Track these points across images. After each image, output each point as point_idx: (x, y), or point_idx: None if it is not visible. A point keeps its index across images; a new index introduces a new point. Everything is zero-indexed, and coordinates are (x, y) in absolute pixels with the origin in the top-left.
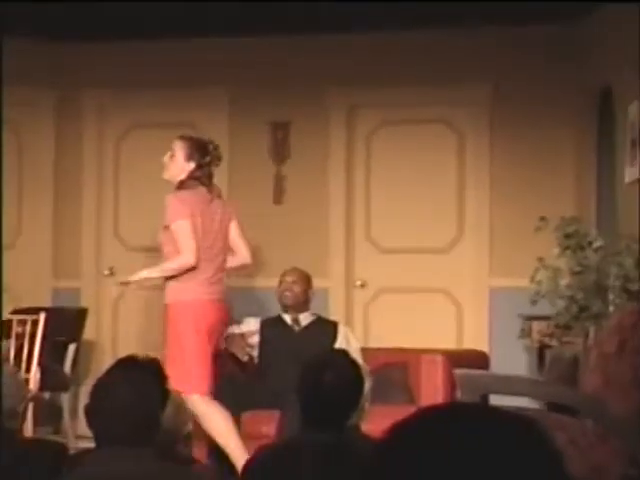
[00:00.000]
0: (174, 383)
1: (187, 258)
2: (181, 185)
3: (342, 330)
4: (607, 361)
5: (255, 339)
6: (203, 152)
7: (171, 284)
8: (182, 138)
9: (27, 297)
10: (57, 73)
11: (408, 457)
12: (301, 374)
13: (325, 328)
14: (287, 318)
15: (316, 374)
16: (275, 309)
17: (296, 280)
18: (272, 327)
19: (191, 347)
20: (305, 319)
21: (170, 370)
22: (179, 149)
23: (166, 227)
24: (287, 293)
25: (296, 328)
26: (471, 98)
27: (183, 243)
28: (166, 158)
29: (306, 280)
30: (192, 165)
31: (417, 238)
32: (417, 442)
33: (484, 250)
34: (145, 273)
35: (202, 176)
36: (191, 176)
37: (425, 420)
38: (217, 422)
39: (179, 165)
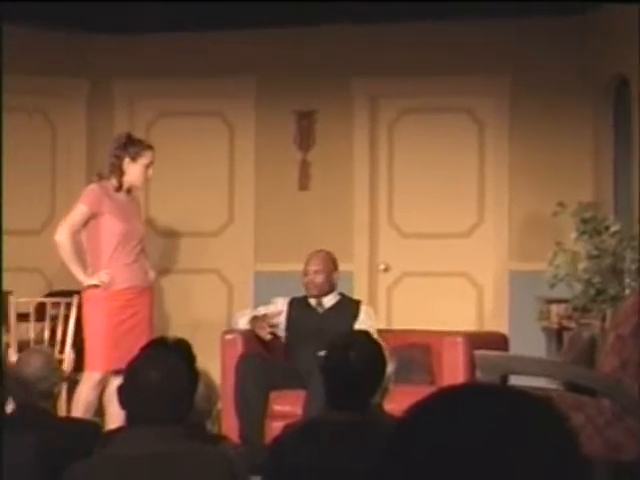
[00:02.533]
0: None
1: None
2: None
3: (364, 309)
4: (623, 343)
5: (281, 319)
6: None
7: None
8: None
9: (61, 280)
10: (89, 63)
11: (427, 436)
12: (325, 354)
13: (348, 307)
14: (312, 300)
15: (340, 354)
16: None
17: (318, 269)
18: (298, 307)
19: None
20: (329, 300)
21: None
22: None
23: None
24: (310, 285)
25: (319, 310)
26: (491, 87)
27: None
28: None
29: (329, 265)
30: None
31: (439, 223)
32: (435, 422)
33: (504, 235)
34: None
35: None
36: None
37: (443, 400)
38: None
39: None
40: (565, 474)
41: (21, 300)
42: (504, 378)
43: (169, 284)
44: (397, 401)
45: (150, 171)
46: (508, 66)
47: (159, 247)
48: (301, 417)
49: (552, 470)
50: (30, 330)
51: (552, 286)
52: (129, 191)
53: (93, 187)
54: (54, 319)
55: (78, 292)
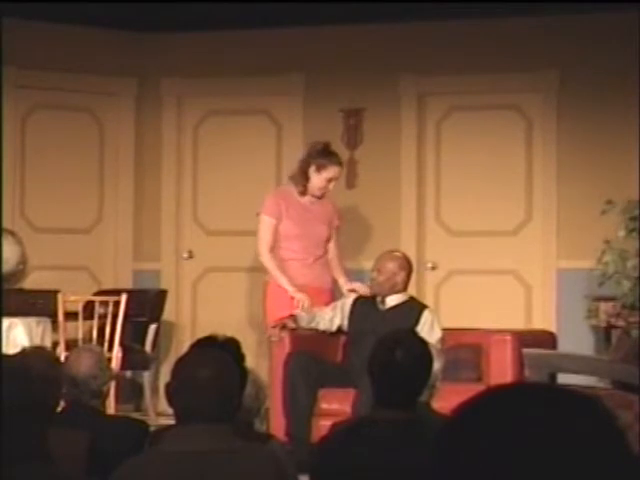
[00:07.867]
0: None
1: None
2: None
3: (426, 315)
4: None
5: (345, 314)
6: None
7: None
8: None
9: (109, 279)
10: (138, 62)
11: (475, 436)
12: (372, 353)
13: (411, 311)
14: (377, 299)
15: (386, 353)
16: None
17: (379, 269)
18: (362, 305)
19: None
20: (393, 300)
21: None
22: None
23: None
24: (371, 283)
25: (381, 308)
26: (539, 84)
27: None
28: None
29: (391, 265)
30: None
31: (486, 221)
32: (484, 422)
33: (552, 232)
34: None
35: None
36: None
37: (492, 400)
38: None
39: None
40: (615, 472)
41: (70, 299)
42: (552, 376)
43: (214, 283)
44: (445, 399)
45: (331, 186)
46: (555, 62)
47: (208, 246)
48: (349, 415)
49: (602, 468)
50: (79, 328)
51: (601, 284)
52: (321, 196)
53: (271, 194)
54: (102, 317)
55: (126, 291)
